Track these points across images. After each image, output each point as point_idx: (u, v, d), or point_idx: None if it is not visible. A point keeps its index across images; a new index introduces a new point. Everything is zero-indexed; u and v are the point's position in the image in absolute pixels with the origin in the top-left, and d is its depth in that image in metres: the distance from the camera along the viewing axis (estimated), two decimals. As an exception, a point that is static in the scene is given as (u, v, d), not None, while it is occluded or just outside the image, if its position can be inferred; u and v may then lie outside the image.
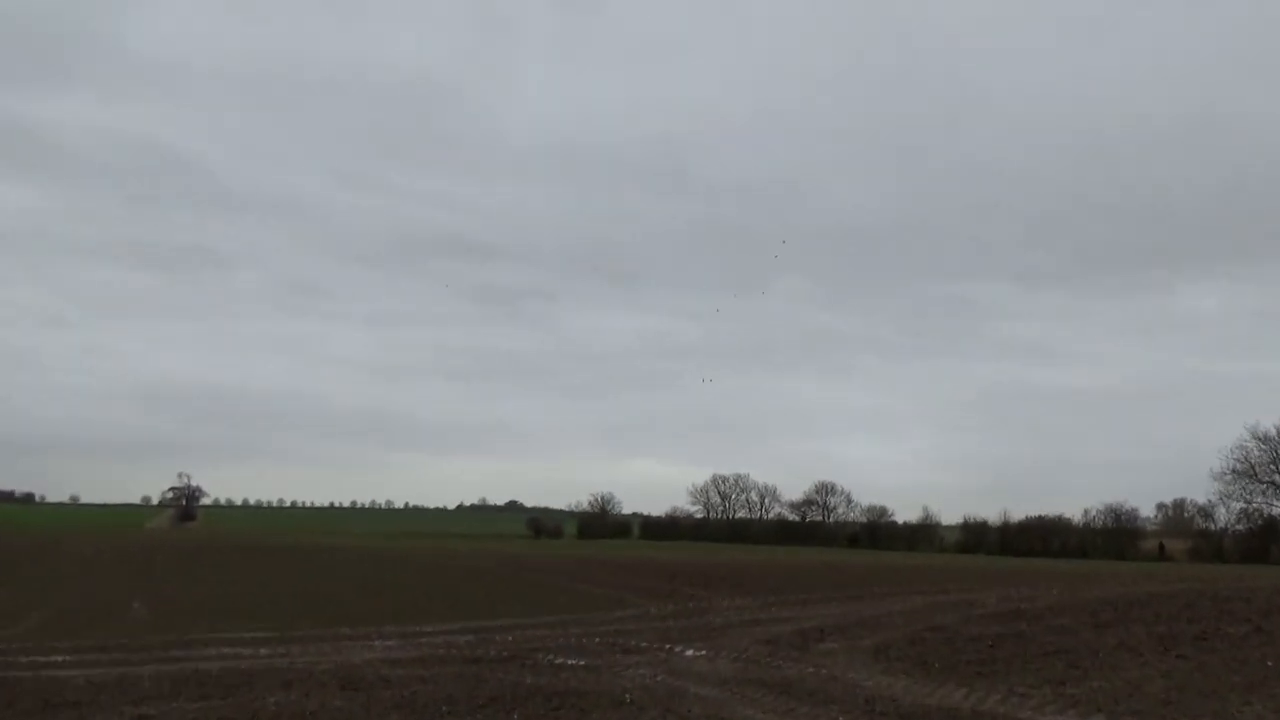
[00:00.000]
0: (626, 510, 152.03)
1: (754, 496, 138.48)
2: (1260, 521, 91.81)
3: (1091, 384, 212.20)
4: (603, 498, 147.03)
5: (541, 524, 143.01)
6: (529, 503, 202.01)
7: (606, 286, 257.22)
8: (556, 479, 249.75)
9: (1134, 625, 18.55)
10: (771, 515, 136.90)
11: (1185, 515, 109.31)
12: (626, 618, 23.11)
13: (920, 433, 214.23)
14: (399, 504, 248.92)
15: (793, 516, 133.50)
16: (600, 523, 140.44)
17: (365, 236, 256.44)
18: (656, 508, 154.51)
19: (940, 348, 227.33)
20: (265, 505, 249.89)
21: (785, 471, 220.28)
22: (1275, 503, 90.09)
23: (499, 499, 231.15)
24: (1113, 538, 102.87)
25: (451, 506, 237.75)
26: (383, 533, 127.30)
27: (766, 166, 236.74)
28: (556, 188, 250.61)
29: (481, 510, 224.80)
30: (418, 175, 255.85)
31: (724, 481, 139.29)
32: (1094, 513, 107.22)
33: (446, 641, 18.44)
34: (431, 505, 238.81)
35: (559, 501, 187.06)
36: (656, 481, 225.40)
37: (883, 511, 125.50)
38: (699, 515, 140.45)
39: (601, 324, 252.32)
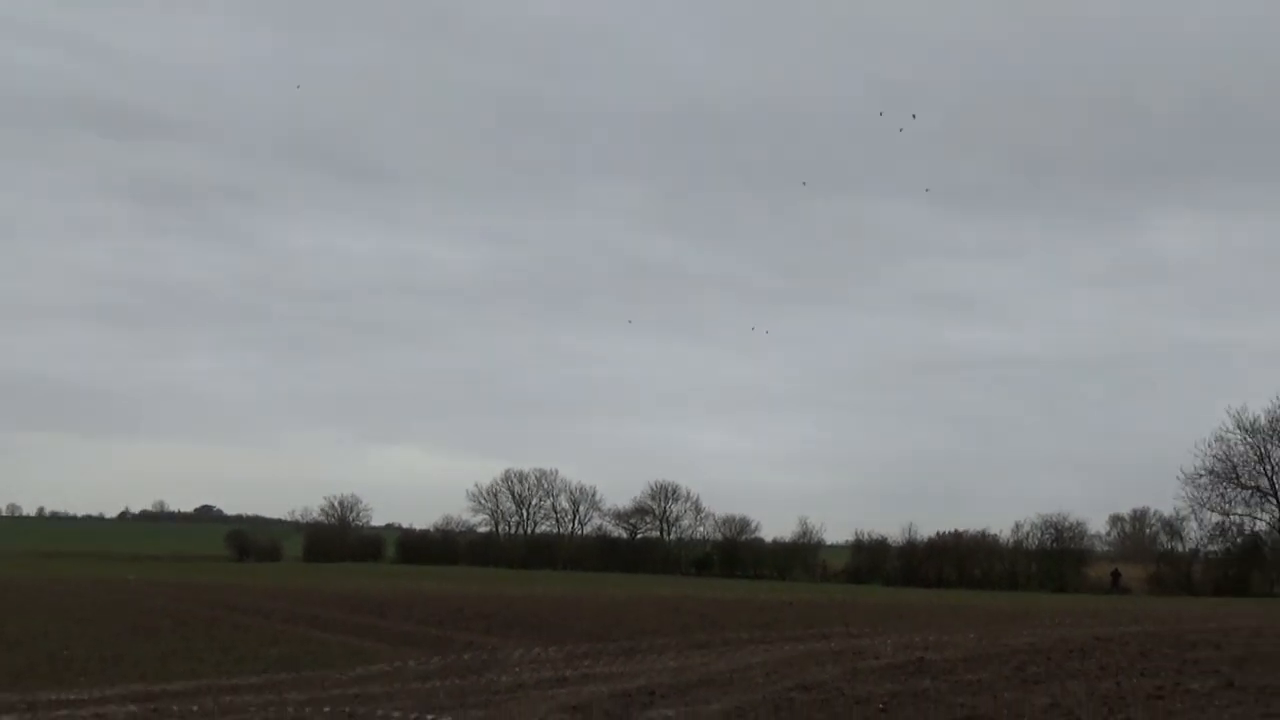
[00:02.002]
0: (377, 521, 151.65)
1: (564, 502, 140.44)
2: (1239, 540, 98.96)
3: (1030, 350, 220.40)
4: (341, 503, 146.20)
5: (249, 540, 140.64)
6: (230, 509, 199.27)
7: (338, 185, 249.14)
8: (271, 475, 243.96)
9: (1072, 681, 19.75)
10: (589, 529, 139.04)
11: (1147, 532, 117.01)
12: (371, 676, 23.03)
13: (797, 416, 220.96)
14: (29, 510, 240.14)
15: (618, 531, 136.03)
16: (338, 539, 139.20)
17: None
18: (421, 518, 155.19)
19: (825, 292, 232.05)
20: None
21: (608, 468, 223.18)
22: (1260, 515, 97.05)
23: (184, 504, 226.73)
24: (1052, 562, 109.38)
25: (112, 514, 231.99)
26: (3, 553, 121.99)
27: (580, 10, 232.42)
28: (255, 30, 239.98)
29: (158, 520, 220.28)
30: None
31: (520, 481, 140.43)
32: (1027, 528, 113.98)
33: (97, 715, 17.95)
34: (81, 513, 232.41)
35: (275, 508, 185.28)
36: (421, 480, 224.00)
37: (743, 525, 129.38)
38: (483, 529, 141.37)
39: (332, 241, 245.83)
